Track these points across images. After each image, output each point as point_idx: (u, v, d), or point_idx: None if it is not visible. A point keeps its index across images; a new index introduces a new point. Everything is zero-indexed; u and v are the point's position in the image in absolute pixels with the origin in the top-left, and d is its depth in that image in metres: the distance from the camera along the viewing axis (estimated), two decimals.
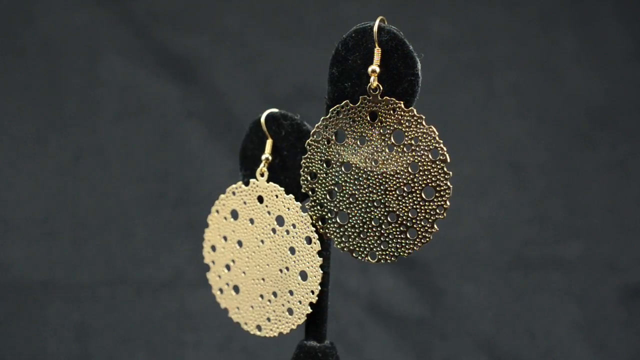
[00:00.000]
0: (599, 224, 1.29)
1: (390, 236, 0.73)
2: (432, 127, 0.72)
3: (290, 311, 0.77)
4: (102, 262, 1.24)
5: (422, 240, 0.73)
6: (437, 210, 0.72)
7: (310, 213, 0.75)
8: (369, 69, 0.72)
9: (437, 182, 0.71)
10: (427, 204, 0.72)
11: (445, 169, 0.71)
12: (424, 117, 0.72)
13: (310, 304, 0.76)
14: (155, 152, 1.33)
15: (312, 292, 0.75)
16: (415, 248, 0.74)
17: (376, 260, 0.74)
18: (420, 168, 0.71)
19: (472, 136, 1.36)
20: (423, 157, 0.71)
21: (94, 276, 1.22)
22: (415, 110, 0.73)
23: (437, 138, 0.71)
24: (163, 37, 1.40)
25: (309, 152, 0.75)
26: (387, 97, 0.72)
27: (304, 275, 0.76)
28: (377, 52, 0.73)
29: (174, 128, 1.35)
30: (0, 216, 1.27)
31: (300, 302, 0.76)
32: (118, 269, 1.23)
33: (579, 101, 1.38)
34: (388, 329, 1.19)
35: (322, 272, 0.75)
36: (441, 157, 0.71)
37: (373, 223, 0.73)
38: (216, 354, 1.17)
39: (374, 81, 0.73)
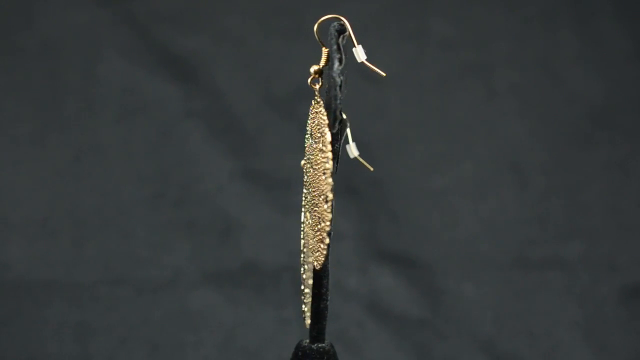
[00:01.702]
0: (599, 224, 1.29)
1: (315, 244, 0.71)
2: (328, 133, 0.69)
3: None
4: (102, 262, 1.24)
5: (323, 252, 0.71)
6: (325, 222, 0.69)
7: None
8: (310, 69, 0.72)
9: (326, 191, 0.69)
10: (323, 213, 0.70)
11: (328, 180, 0.69)
12: (326, 123, 0.70)
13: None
14: (155, 152, 1.33)
15: None
16: (321, 259, 0.71)
17: (311, 266, 0.72)
18: (324, 175, 0.70)
19: (472, 136, 1.36)
20: (326, 164, 0.70)
21: (94, 276, 1.22)
22: (325, 115, 0.70)
23: (328, 145, 0.69)
24: (163, 37, 1.40)
25: (305, 150, 0.75)
26: (319, 99, 0.71)
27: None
28: (324, 52, 0.72)
29: (174, 128, 1.35)
30: (0, 216, 1.27)
31: None
32: (118, 269, 1.23)
33: (579, 101, 1.38)
34: (388, 329, 1.19)
35: None
36: (327, 165, 0.68)
37: (311, 229, 0.72)
38: (216, 354, 1.17)
39: (310, 81, 0.71)
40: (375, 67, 0.71)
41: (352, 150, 0.74)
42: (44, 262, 1.23)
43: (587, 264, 1.26)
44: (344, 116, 0.75)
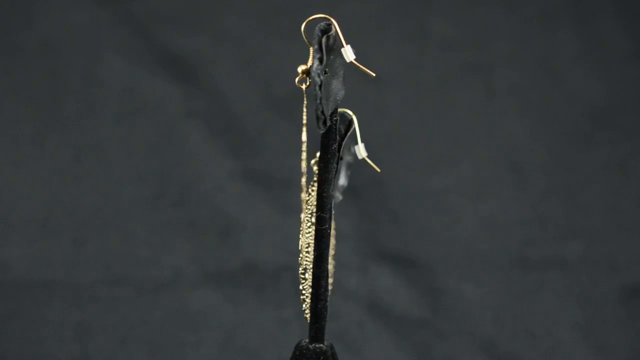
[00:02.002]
0: (599, 224, 1.29)
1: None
2: (304, 132, 0.70)
3: None
4: (102, 262, 1.24)
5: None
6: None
7: None
8: (298, 69, 0.71)
9: (302, 192, 0.71)
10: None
11: (302, 180, 0.70)
12: (304, 122, 0.70)
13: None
14: (155, 152, 1.33)
15: None
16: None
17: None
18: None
19: (472, 136, 1.36)
20: (302, 163, 0.71)
21: (94, 276, 1.22)
22: (305, 114, 0.71)
23: (303, 145, 0.70)
24: (163, 37, 1.40)
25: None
26: (306, 99, 0.71)
27: None
28: (311, 51, 0.72)
29: (174, 128, 1.35)
30: (0, 216, 1.27)
31: None
32: (118, 269, 1.23)
33: (579, 101, 1.38)
34: (388, 329, 1.19)
35: None
36: (302, 165, 0.70)
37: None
38: (216, 354, 1.17)
39: (298, 81, 0.71)
40: (371, 66, 0.71)
41: (361, 151, 0.75)
42: (44, 262, 1.23)
43: (587, 264, 1.26)
44: (354, 117, 0.75)
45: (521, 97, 1.38)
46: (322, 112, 0.69)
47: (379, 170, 0.76)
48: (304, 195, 0.73)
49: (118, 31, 1.39)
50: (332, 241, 0.81)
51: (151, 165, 1.32)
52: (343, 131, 0.77)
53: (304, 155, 0.71)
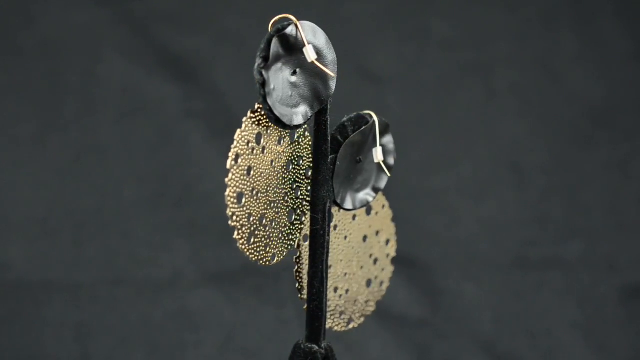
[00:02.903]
0: (599, 224, 1.29)
1: None
2: (237, 132, 0.70)
3: None
4: (102, 262, 1.24)
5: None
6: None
7: None
8: None
9: None
10: None
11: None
12: (242, 121, 0.71)
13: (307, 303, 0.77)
14: (155, 152, 1.33)
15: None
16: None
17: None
18: None
19: (472, 136, 1.36)
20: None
21: (94, 276, 1.22)
22: (249, 114, 0.71)
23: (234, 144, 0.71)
24: (163, 37, 1.40)
25: None
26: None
27: None
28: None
29: (174, 128, 1.35)
30: (0, 216, 1.27)
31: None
32: (118, 269, 1.23)
33: (579, 101, 1.38)
34: (388, 329, 1.19)
35: None
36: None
37: None
38: (216, 354, 1.17)
39: None
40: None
41: (378, 154, 0.75)
42: (44, 262, 1.23)
43: (587, 264, 1.26)
44: (376, 119, 0.76)
45: (521, 97, 1.38)
46: (270, 109, 0.70)
47: (389, 174, 0.76)
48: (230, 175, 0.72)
49: (118, 31, 1.39)
50: (393, 244, 0.81)
51: (151, 165, 1.32)
52: (350, 132, 0.77)
53: (230, 153, 0.71)
